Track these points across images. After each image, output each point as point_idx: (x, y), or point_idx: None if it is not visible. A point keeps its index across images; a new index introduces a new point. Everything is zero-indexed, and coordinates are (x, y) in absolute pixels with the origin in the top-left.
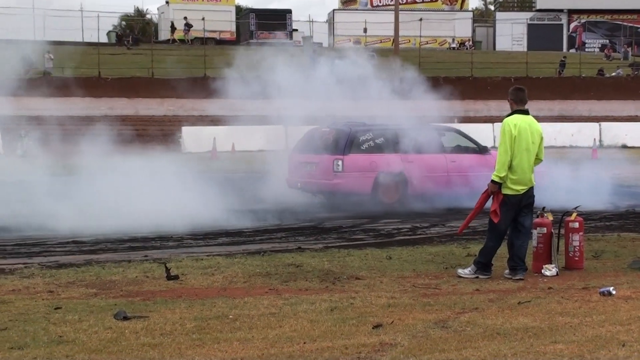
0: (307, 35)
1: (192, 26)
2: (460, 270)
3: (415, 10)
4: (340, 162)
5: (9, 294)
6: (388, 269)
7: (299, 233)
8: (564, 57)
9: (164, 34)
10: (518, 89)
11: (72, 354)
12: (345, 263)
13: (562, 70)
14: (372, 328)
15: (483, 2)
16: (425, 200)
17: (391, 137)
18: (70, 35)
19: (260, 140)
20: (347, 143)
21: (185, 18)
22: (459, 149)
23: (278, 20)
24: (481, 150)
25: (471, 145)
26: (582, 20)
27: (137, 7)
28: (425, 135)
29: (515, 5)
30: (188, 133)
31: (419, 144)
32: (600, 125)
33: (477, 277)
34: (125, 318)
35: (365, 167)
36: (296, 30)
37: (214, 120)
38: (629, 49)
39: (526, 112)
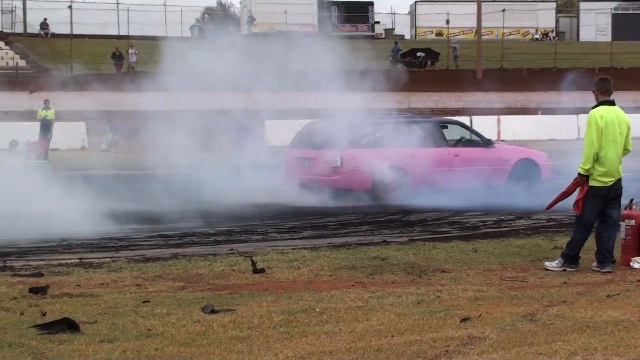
0: (389, 27)
1: (255, 19)
2: (547, 263)
3: (498, 1)
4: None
5: (98, 288)
6: (474, 262)
7: (384, 226)
8: None
9: (245, 28)
10: (603, 79)
11: (161, 347)
12: (430, 256)
13: None
14: (460, 321)
15: None
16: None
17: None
18: (154, 30)
19: None
20: None
21: (249, 11)
22: (463, 143)
23: (360, 12)
24: (485, 143)
25: (475, 138)
26: None
27: (220, 1)
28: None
29: None
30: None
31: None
32: None
33: (564, 270)
34: (213, 311)
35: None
36: (378, 22)
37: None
38: None
39: (612, 103)
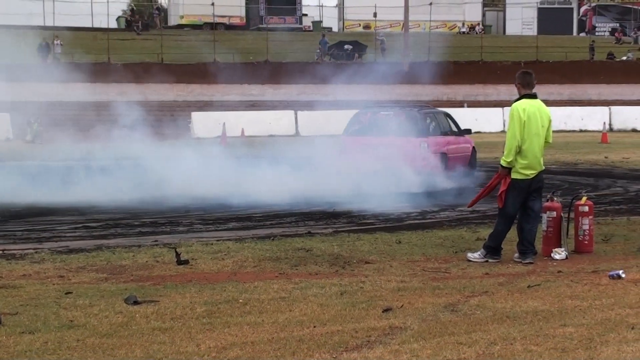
0: (316, 20)
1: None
2: (470, 254)
3: None
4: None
5: (20, 279)
6: (398, 253)
7: (309, 217)
8: (593, 41)
9: (174, 19)
10: (525, 73)
11: (83, 338)
12: (354, 247)
13: (593, 55)
14: (382, 312)
15: None
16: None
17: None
18: (80, 21)
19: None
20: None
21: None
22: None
23: (288, 4)
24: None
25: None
26: (593, 4)
27: None
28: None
29: None
30: (198, 118)
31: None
32: (610, 109)
33: (486, 261)
34: (136, 303)
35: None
36: (306, 15)
37: (223, 105)
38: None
39: (534, 96)
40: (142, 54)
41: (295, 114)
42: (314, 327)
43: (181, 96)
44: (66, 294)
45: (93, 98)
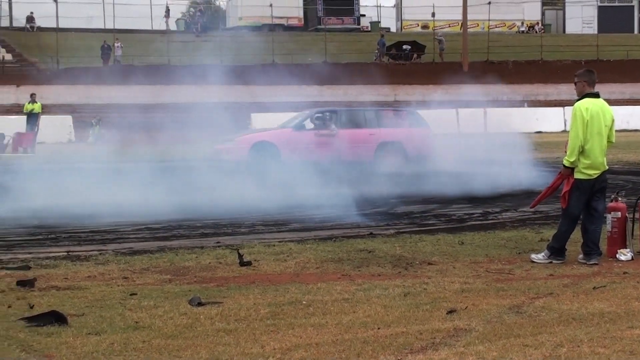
0: (374, 20)
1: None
2: (533, 256)
3: None
4: None
5: (85, 281)
6: (460, 254)
7: (371, 219)
8: None
9: (233, 21)
10: (590, 71)
11: (149, 339)
12: (417, 248)
13: None
14: (446, 313)
15: None
16: None
17: None
18: (140, 24)
19: None
20: None
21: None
22: None
23: (346, 5)
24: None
25: None
26: None
27: None
28: None
29: None
30: (257, 119)
31: None
32: None
33: (550, 262)
34: (200, 304)
35: None
36: (364, 15)
37: (282, 106)
38: None
39: (597, 95)
40: (201, 55)
41: None
42: (378, 328)
43: (240, 97)
44: (131, 295)
45: (153, 100)
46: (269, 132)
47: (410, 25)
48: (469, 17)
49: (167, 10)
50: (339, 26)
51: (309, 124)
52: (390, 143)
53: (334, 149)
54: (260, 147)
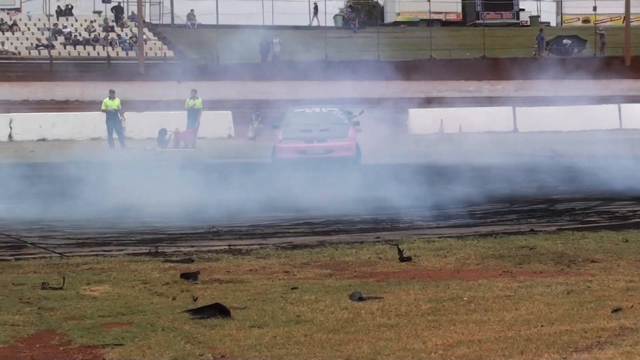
0: (534, 15)
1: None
2: None
3: None
4: None
5: (247, 274)
6: (625, 252)
7: (531, 215)
8: None
9: (390, 17)
10: None
11: (310, 333)
12: (579, 246)
13: None
14: (612, 312)
15: None
16: None
17: None
18: (298, 20)
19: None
20: None
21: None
22: None
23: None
24: None
25: None
26: None
27: None
28: None
29: None
30: (415, 115)
31: None
32: None
33: None
34: (361, 299)
35: None
36: (523, 10)
37: (440, 102)
38: None
39: None
40: (359, 51)
41: (514, 110)
42: (542, 326)
43: (398, 93)
44: (292, 289)
45: (312, 95)
46: None
47: (571, 19)
48: (632, 10)
49: (316, 7)
50: (497, 21)
51: None
52: None
53: None
54: None
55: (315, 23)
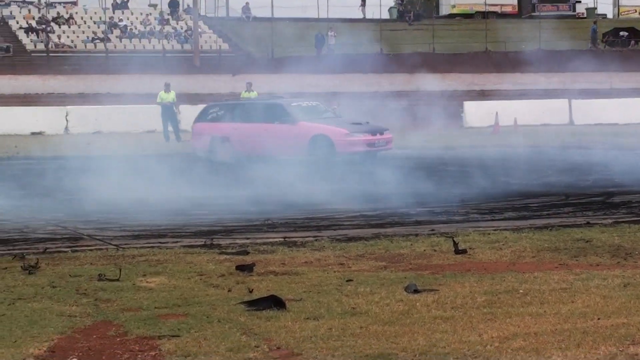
0: (590, 7)
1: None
2: None
3: None
4: None
5: (302, 266)
6: None
7: (587, 208)
8: None
9: (445, 9)
10: None
11: (366, 325)
12: (636, 239)
13: None
14: None
15: None
16: None
17: None
18: (353, 13)
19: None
20: None
21: None
22: None
23: None
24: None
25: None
26: None
27: None
28: None
29: None
30: (470, 108)
31: None
32: None
33: None
34: (416, 291)
35: None
36: (579, 2)
37: (495, 95)
38: None
39: None
40: (413, 44)
41: (569, 102)
42: (598, 319)
43: (452, 86)
44: (347, 281)
45: (365, 88)
46: None
47: (628, 11)
48: None
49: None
50: (553, 13)
51: None
52: None
53: None
54: None
55: (365, 15)
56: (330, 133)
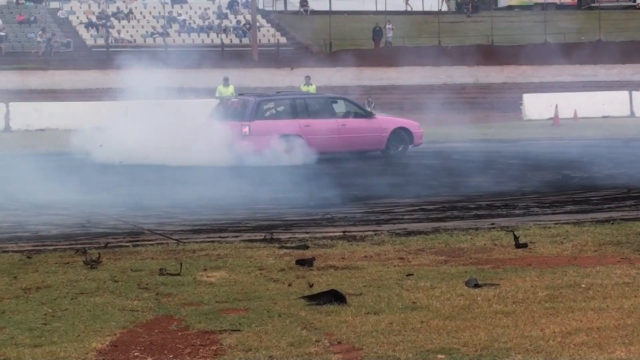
0: None
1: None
2: None
3: None
4: None
5: (362, 260)
6: None
7: None
8: None
9: (504, 1)
10: None
11: (427, 319)
12: None
13: None
14: None
15: None
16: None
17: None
18: (412, 4)
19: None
20: None
21: None
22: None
23: None
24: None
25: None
26: None
27: None
28: None
29: None
30: (529, 100)
31: None
32: None
33: None
34: (477, 285)
35: None
36: None
37: (554, 87)
38: None
39: None
40: (472, 36)
41: (630, 94)
42: None
43: (511, 78)
44: (407, 275)
45: (424, 81)
46: None
47: None
48: None
49: None
50: (614, 4)
51: None
52: None
53: None
54: None
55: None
56: (410, 126)
